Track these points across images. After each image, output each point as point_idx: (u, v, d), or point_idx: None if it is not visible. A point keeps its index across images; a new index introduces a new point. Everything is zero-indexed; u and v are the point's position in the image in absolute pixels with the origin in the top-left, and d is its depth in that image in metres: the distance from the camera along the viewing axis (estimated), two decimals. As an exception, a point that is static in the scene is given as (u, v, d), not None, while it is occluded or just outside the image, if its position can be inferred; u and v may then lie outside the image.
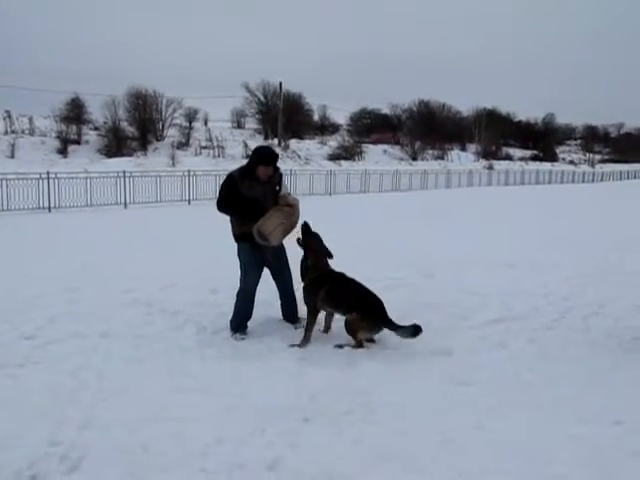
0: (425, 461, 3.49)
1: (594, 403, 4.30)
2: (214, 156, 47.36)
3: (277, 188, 5.80)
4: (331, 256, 5.70)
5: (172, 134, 53.34)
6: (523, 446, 3.67)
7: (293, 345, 5.41)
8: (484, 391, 4.51)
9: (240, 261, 5.81)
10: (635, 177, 57.87)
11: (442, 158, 63.94)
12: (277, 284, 6.04)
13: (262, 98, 65.08)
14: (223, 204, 5.67)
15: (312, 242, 5.71)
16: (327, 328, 5.82)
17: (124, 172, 18.72)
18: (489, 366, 5.02)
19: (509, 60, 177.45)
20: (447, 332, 5.86)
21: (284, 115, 55.43)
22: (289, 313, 6.09)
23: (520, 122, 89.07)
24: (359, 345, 5.33)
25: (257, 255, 5.70)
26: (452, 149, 69.18)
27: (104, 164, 36.17)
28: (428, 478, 3.33)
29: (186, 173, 20.20)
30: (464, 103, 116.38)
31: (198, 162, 38.70)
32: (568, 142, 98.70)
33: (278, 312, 6.16)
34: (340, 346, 5.35)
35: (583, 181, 49.02)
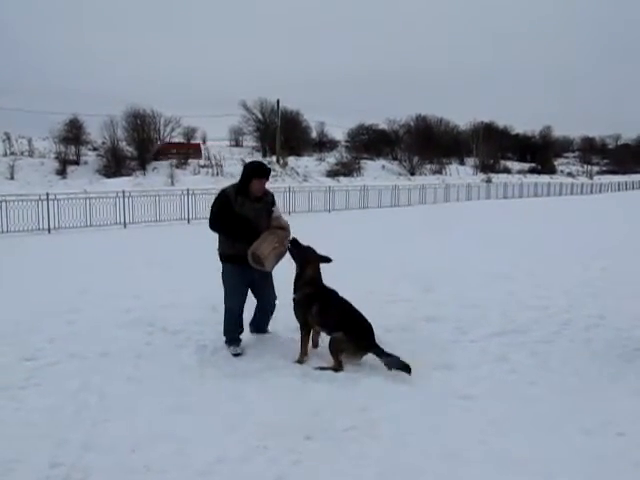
0: (429, 476, 3.48)
1: (596, 415, 4.29)
2: (213, 174, 47.51)
3: (271, 209, 5.74)
4: (330, 260, 5.63)
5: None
6: (525, 459, 3.67)
7: (295, 362, 5.37)
8: (486, 405, 4.50)
9: (224, 281, 5.74)
10: (633, 188, 58.03)
11: (440, 172, 64.20)
12: (258, 301, 6.00)
13: (260, 116, 65.56)
14: (216, 222, 5.59)
15: (309, 255, 5.61)
16: (315, 344, 5.76)
17: (123, 192, 18.78)
18: (490, 380, 5.02)
19: (506, 74, 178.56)
20: (448, 346, 5.87)
21: (282, 132, 55.69)
22: (261, 327, 6.15)
23: (517, 135, 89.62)
24: (338, 367, 5.16)
25: (243, 277, 5.64)
26: (450, 163, 69.45)
27: (103, 184, 36.32)
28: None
29: (185, 192, 20.25)
30: (461, 117, 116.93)
31: (197, 181, 38.85)
32: (566, 154, 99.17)
33: (276, 327, 6.15)
34: (322, 368, 5.20)
35: (582, 193, 49.11)
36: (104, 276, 9.56)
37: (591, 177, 73.85)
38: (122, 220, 18.29)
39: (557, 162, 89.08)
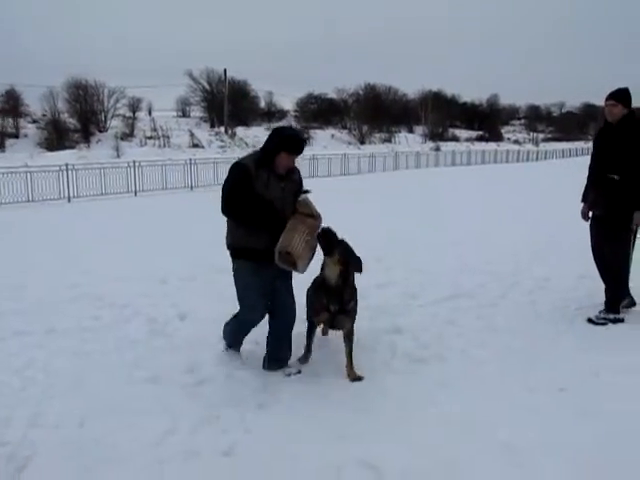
0: (382, 437, 3.54)
1: (540, 373, 4.43)
2: (160, 146, 46.58)
3: (300, 189, 4.47)
4: (361, 270, 4.39)
5: (115, 125, 52.21)
6: (472, 419, 3.76)
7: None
8: (434, 367, 4.59)
9: (237, 284, 4.40)
10: (577, 155, 59.56)
11: (390, 141, 64.57)
12: (274, 316, 4.51)
13: (207, 86, 64.41)
14: (233, 204, 4.18)
15: (347, 254, 4.38)
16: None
17: (67, 165, 18.21)
18: (439, 343, 5.11)
19: (453, 42, 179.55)
20: (397, 311, 5.95)
21: (230, 102, 54.88)
22: (282, 356, 4.56)
23: (465, 103, 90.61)
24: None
25: (264, 277, 4.29)
26: (399, 132, 69.84)
27: (45, 158, 35.13)
28: (384, 450, 3.38)
29: (131, 164, 19.79)
30: (410, 86, 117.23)
31: (143, 153, 38.01)
32: (512, 122, 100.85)
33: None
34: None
35: (528, 160, 50.11)
36: (49, 252, 9.29)
37: (537, 144, 75.44)
38: (66, 194, 17.77)
39: (504, 130, 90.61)
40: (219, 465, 3.31)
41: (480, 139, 77.38)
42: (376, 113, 64.84)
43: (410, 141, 66.14)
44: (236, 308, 4.50)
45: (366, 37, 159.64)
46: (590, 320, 5.63)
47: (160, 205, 16.39)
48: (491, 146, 59.55)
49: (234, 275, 4.40)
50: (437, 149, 50.47)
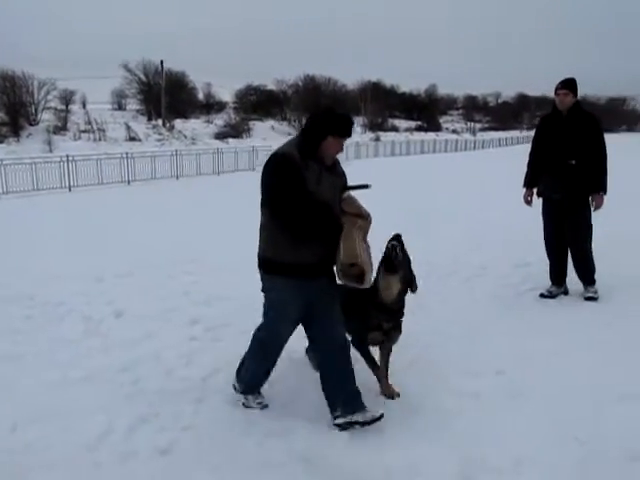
0: (313, 429, 3.53)
1: (479, 358, 4.52)
2: (95, 140, 45.30)
3: (346, 184, 3.70)
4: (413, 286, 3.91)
5: (47, 118, 50.39)
6: (414, 400, 3.84)
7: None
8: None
9: (268, 304, 3.61)
10: (512, 144, 61.13)
11: (330, 132, 64.45)
12: (317, 344, 3.71)
13: (143, 78, 62.78)
14: (289, 206, 3.28)
15: (411, 272, 3.92)
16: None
17: (-6, 160, 17.48)
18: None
19: (392, 34, 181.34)
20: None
21: (167, 94, 53.84)
22: (350, 400, 3.53)
23: (404, 94, 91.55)
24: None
25: (302, 297, 3.51)
26: (340, 123, 69.77)
27: (-29, 153, 33.63)
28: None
29: (64, 158, 19.16)
30: (350, 77, 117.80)
31: (78, 147, 36.87)
32: (450, 112, 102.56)
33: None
34: None
35: (466, 149, 51.18)
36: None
37: (474, 134, 77.00)
38: (-5, 190, 17.07)
39: (442, 120, 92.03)
40: (157, 464, 3.24)
41: (419, 129, 78.42)
42: (316, 104, 64.76)
43: (350, 132, 66.25)
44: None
45: (306, 28, 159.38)
46: (589, 299, 5.98)
47: (96, 200, 15.93)
48: (430, 136, 60.49)
49: (267, 294, 3.57)
50: (377, 139, 50.90)
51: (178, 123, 54.80)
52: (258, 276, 3.61)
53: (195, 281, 6.70)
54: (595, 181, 5.83)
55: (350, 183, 3.69)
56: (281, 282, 3.47)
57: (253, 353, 3.76)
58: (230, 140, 48.99)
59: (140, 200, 15.84)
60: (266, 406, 3.78)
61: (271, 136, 55.55)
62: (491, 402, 3.83)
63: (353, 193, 3.62)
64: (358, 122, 72.58)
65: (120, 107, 66.95)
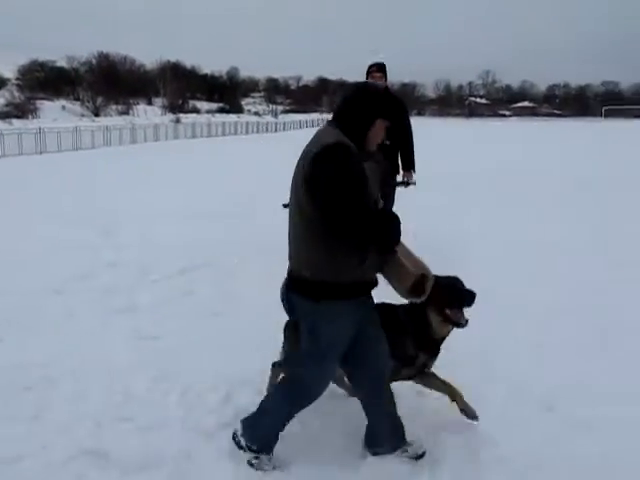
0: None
1: (263, 335, 4.43)
2: None
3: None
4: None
5: None
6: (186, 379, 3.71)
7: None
8: (170, 342, 4.43)
9: (320, 338, 2.77)
10: (313, 126, 63.24)
11: (127, 113, 61.93)
12: (361, 376, 2.99)
13: None
14: (361, 213, 2.52)
15: None
16: None
17: None
18: (176, 317, 4.96)
19: (193, 13, 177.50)
20: (131, 288, 5.67)
21: None
22: (390, 437, 3.06)
23: (206, 75, 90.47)
24: None
25: (357, 321, 2.82)
26: (138, 104, 67.30)
27: None
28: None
29: None
30: (148, 56, 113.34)
31: None
32: (253, 94, 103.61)
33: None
34: None
35: (267, 131, 51.85)
36: None
37: (276, 116, 78.43)
38: None
39: (244, 102, 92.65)
40: None
41: (221, 111, 78.06)
42: (112, 84, 61.57)
43: (149, 113, 64.23)
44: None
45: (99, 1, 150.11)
46: None
47: None
48: (232, 118, 60.47)
49: (322, 328, 2.75)
50: (177, 121, 49.73)
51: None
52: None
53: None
54: (406, 160, 6.30)
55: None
56: (342, 308, 2.72)
57: (288, 400, 2.94)
58: (14, 121, 44.80)
59: None
60: (266, 468, 2.95)
61: (63, 117, 51.85)
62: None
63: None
64: (157, 103, 70.43)
65: None
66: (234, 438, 3.02)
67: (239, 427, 3.02)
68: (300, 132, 50.11)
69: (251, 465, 2.92)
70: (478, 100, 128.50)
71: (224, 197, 11.21)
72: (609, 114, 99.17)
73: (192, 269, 6.33)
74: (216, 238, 7.63)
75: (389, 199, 6.31)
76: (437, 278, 2.90)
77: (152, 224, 8.61)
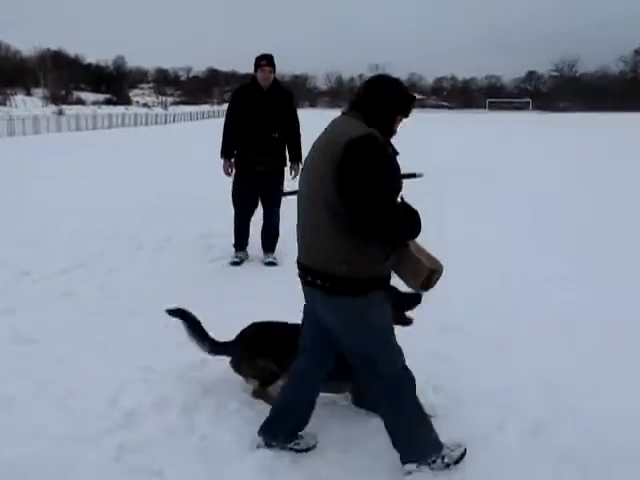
0: None
1: (149, 335, 4.36)
2: None
3: None
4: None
5: None
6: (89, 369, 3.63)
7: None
8: (51, 345, 4.25)
9: (375, 328, 2.74)
10: (204, 117, 62.29)
11: (4, 104, 58.37)
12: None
13: None
14: (394, 206, 2.56)
15: None
16: None
17: None
18: (56, 318, 4.75)
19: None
20: (7, 289, 5.41)
21: None
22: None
23: (90, 65, 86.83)
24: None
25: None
26: (15, 94, 63.54)
27: None
28: None
29: None
30: (25, 43, 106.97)
31: None
32: (141, 85, 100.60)
33: None
34: None
35: (156, 123, 50.53)
36: None
37: (166, 107, 76.56)
38: None
39: (133, 93, 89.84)
40: None
41: (108, 102, 75.19)
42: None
43: (29, 104, 60.86)
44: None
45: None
46: (270, 264, 6.37)
47: None
48: (119, 109, 58.47)
49: (369, 317, 2.69)
50: (60, 113, 47.43)
51: None
52: None
53: None
54: (294, 152, 6.39)
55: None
56: (376, 295, 2.68)
57: (393, 406, 2.78)
58: None
59: None
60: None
61: None
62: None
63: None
64: (37, 94, 66.81)
65: None
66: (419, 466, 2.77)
67: (409, 459, 2.79)
68: (191, 124, 49.32)
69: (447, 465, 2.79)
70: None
71: (111, 191, 10.85)
72: (492, 106, 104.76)
73: (73, 268, 6.09)
74: (101, 234, 7.40)
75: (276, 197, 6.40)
76: (396, 291, 3.01)
77: (31, 220, 8.22)
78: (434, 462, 2.78)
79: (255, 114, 6.14)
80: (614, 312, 4.95)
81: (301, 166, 6.25)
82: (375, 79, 2.81)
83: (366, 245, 2.56)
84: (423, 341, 3.87)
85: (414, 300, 3.18)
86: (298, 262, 2.79)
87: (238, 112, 6.24)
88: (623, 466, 2.91)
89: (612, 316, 4.84)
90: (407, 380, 2.79)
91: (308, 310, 2.92)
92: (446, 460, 2.80)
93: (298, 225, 2.78)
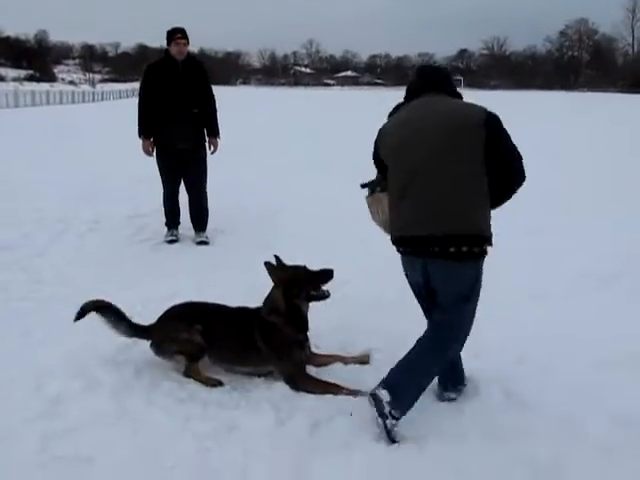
0: None
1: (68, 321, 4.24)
2: None
3: None
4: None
5: None
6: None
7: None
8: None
9: (475, 295, 2.99)
10: (134, 95, 60.40)
11: None
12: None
13: None
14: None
15: None
16: None
17: None
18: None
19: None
20: None
21: None
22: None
23: (9, 38, 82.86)
24: None
25: None
26: None
27: None
28: None
29: None
30: None
31: None
32: (66, 62, 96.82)
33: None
34: None
35: (84, 101, 48.79)
36: None
37: (93, 85, 73.99)
38: None
39: (57, 70, 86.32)
40: None
41: (31, 79, 72.01)
42: None
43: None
44: None
45: None
46: (202, 243, 6.31)
47: None
48: (43, 87, 56.16)
49: (477, 283, 2.96)
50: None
51: None
52: None
53: None
54: (212, 126, 6.27)
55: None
56: (482, 262, 2.95)
57: (438, 358, 2.99)
58: None
59: None
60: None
61: None
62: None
63: None
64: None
65: None
66: (383, 414, 2.75)
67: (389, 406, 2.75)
68: (120, 102, 47.79)
69: (388, 431, 2.76)
70: (303, 69, 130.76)
71: (34, 173, 10.40)
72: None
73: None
74: (24, 218, 7.09)
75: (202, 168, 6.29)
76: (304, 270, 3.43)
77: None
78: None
79: (173, 90, 6.01)
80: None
81: (218, 140, 6.25)
82: (438, 66, 3.59)
83: (489, 206, 2.89)
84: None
85: (327, 275, 3.41)
86: (414, 237, 2.88)
87: (154, 89, 6.07)
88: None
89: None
90: (455, 351, 3.06)
91: (415, 284, 3.07)
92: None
93: (407, 203, 2.89)
